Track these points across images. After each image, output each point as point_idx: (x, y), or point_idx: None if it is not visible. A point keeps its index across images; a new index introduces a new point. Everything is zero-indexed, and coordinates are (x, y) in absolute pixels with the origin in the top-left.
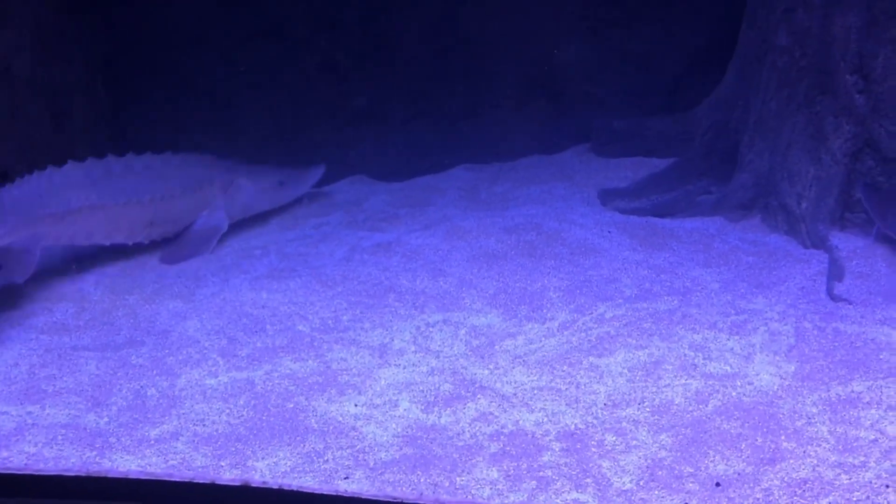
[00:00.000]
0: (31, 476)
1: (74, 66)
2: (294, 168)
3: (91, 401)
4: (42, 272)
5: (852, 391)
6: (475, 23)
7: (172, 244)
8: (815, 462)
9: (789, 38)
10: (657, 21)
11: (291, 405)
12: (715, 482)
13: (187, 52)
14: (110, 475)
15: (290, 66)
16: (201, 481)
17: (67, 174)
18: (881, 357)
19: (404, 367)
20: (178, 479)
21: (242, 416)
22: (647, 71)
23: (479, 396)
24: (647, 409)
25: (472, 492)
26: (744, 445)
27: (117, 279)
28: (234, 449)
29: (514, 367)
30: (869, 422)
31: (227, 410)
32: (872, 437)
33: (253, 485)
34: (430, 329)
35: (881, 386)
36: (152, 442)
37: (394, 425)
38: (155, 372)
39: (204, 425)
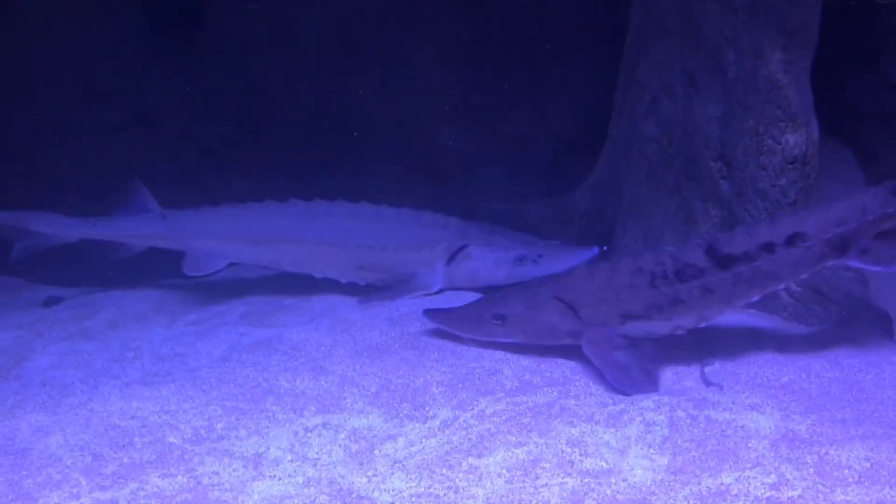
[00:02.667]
0: None
1: None
2: (552, 244)
3: None
4: None
5: (721, 483)
6: (355, 107)
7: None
8: None
9: (657, 126)
10: (532, 106)
11: None
12: None
13: (55, 145)
14: None
15: (165, 156)
16: None
17: (266, 208)
18: (749, 445)
19: (279, 479)
20: None
21: None
22: (525, 155)
23: None
24: None
25: None
26: None
27: None
28: None
29: (393, 473)
30: None
31: None
32: None
33: None
34: (309, 434)
35: (748, 477)
36: None
37: None
38: (10, 497)
39: None
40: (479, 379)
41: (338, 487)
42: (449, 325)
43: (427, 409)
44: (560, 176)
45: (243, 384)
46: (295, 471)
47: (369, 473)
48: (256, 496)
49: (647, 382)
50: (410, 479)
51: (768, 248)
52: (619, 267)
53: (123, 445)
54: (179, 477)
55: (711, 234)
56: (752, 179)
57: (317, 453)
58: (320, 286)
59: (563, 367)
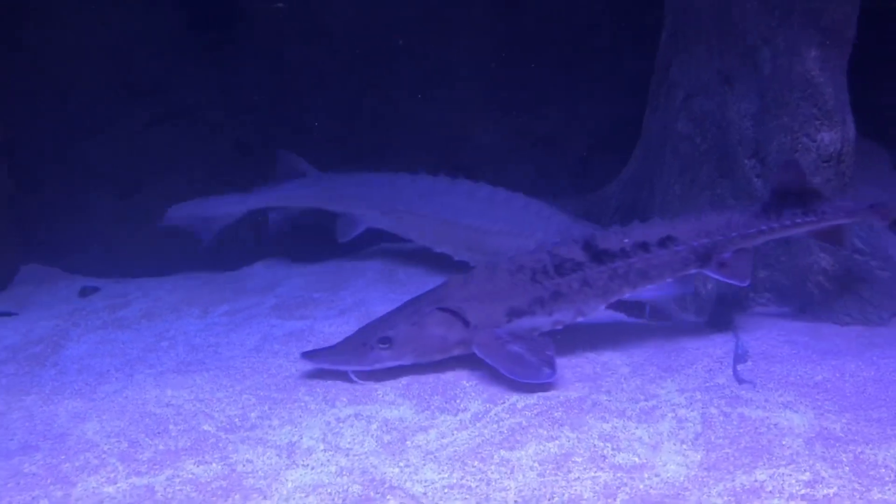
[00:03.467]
0: None
1: None
2: None
3: None
4: None
5: (756, 480)
6: (387, 104)
7: None
8: None
9: (690, 124)
10: (562, 103)
11: None
12: None
13: (91, 138)
14: None
15: (199, 150)
16: None
17: (400, 180)
18: (783, 443)
19: (312, 468)
20: None
21: None
22: (556, 152)
23: (388, 497)
24: None
25: None
26: None
27: (14, 378)
28: None
29: (425, 465)
30: None
31: None
32: None
33: None
34: (341, 424)
35: (783, 474)
36: None
37: None
38: (49, 480)
39: None
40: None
41: (370, 477)
42: (331, 363)
43: (458, 401)
44: (591, 173)
45: (276, 374)
46: (328, 460)
47: (401, 464)
48: (290, 484)
49: (544, 367)
50: (442, 471)
51: (643, 247)
52: (500, 266)
53: (159, 432)
54: (214, 464)
55: (588, 231)
56: None
57: (349, 443)
58: (349, 281)
59: (595, 363)
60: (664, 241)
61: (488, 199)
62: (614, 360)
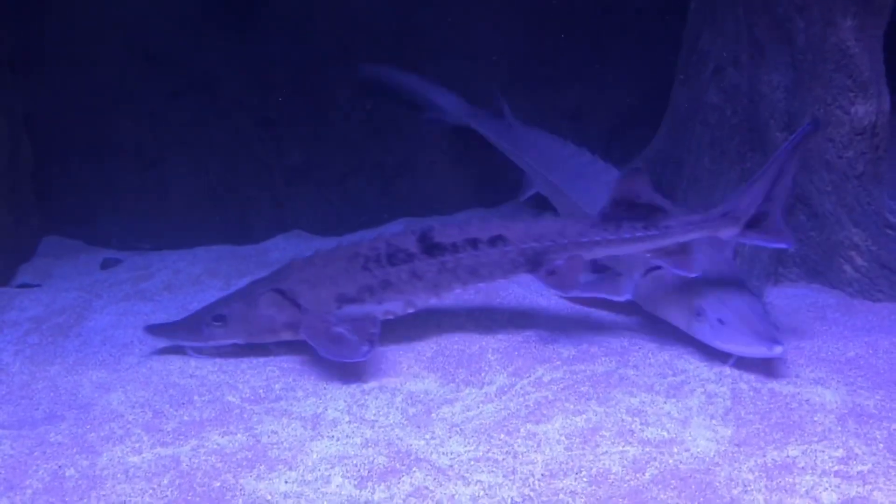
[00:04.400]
0: None
1: None
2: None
3: (4, 483)
4: None
5: (787, 456)
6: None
7: None
8: None
9: (720, 96)
10: (588, 78)
11: (218, 484)
12: None
13: (113, 110)
14: None
15: (222, 124)
16: None
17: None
18: (815, 419)
19: (337, 440)
20: None
21: (167, 496)
22: (581, 127)
23: (414, 469)
24: (585, 479)
25: None
26: None
27: (38, 348)
28: None
29: (450, 437)
30: (804, 488)
31: (151, 491)
32: None
33: None
34: (366, 396)
35: (815, 450)
36: None
37: (325, 503)
38: (75, 450)
39: None
40: (535, 347)
41: (396, 449)
42: (170, 338)
43: (483, 374)
44: (617, 149)
45: (300, 347)
46: (353, 432)
47: (427, 436)
48: (315, 455)
49: (363, 344)
50: (468, 443)
51: (473, 244)
52: (337, 252)
53: (183, 403)
54: (239, 435)
55: (429, 223)
56: (818, 150)
57: (374, 415)
58: None
59: (622, 338)
60: (495, 241)
61: (606, 179)
62: (640, 335)
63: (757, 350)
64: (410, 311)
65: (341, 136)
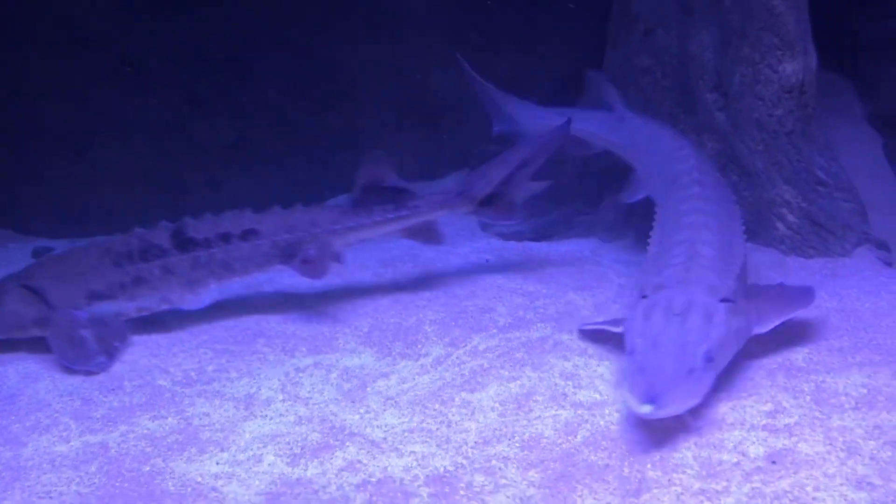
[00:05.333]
0: None
1: None
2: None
3: None
4: None
5: (717, 412)
6: (344, 51)
7: None
8: (680, 490)
9: (651, 58)
10: (526, 45)
11: (147, 468)
12: None
13: (39, 93)
14: None
15: (152, 104)
16: None
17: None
18: (745, 375)
19: (271, 418)
20: None
21: (94, 483)
22: (520, 95)
23: (347, 444)
24: (517, 445)
25: None
26: (611, 477)
27: None
28: None
29: (385, 410)
30: (732, 444)
31: (78, 479)
32: (735, 459)
33: None
34: (300, 374)
35: (745, 406)
36: None
37: (257, 482)
38: None
39: (50, 497)
40: (472, 317)
41: (330, 425)
42: None
43: (420, 346)
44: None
45: (233, 327)
46: (287, 410)
47: (361, 411)
48: (248, 435)
49: (101, 355)
50: (403, 415)
51: (226, 238)
52: (89, 248)
53: (113, 389)
54: (170, 419)
55: (184, 218)
56: (748, 110)
57: (308, 392)
58: None
59: (558, 303)
60: (247, 235)
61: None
62: (577, 301)
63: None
64: (165, 307)
65: (277, 113)
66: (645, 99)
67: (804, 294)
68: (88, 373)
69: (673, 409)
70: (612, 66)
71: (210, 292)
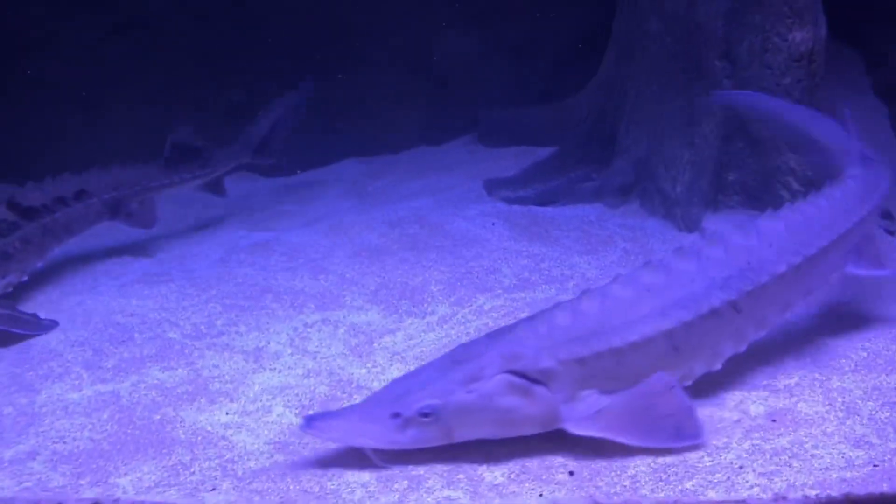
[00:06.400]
0: None
1: None
2: None
3: None
4: None
5: (717, 371)
6: (351, 11)
7: None
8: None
9: (660, 24)
10: (536, 10)
11: (158, 417)
12: (569, 471)
13: (44, 51)
14: None
15: (160, 62)
16: (47, 503)
17: None
18: None
19: (279, 371)
20: (22, 501)
21: (106, 430)
22: (529, 59)
23: (355, 396)
24: None
25: (343, 496)
26: None
27: None
28: (95, 466)
29: (391, 365)
30: (733, 403)
31: (90, 426)
32: (736, 417)
33: (104, 503)
34: (309, 329)
35: (744, 370)
36: (6, 463)
37: (266, 432)
38: (13, 389)
39: (64, 443)
40: (477, 277)
41: (337, 378)
42: None
43: (425, 305)
44: (566, 80)
45: (242, 283)
46: (295, 363)
47: (368, 365)
48: (257, 387)
49: None
50: (409, 370)
51: (62, 201)
52: None
53: (123, 341)
54: (180, 370)
55: (12, 189)
56: (756, 78)
57: (316, 347)
58: (319, 193)
59: (563, 266)
60: (79, 195)
61: None
62: (581, 264)
63: None
64: (24, 279)
65: (283, 72)
66: (653, 65)
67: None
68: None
69: (328, 435)
70: (621, 30)
71: (53, 255)
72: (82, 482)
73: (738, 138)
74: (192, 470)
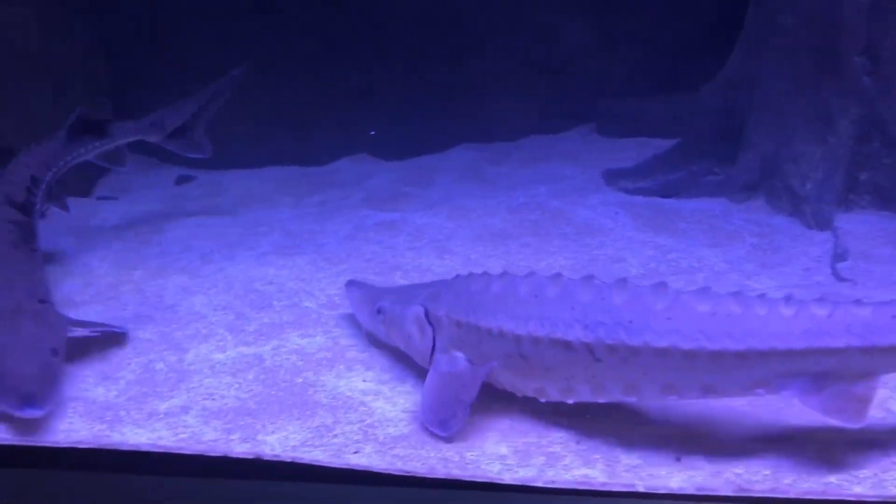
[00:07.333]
0: (43, 448)
1: (76, 43)
2: None
3: (100, 374)
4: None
5: None
6: (471, 1)
7: None
8: (834, 436)
9: (795, 18)
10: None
11: (300, 380)
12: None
13: (186, 29)
14: (121, 448)
15: (288, 45)
16: (213, 454)
17: None
18: None
19: None
20: (190, 452)
21: (251, 390)
22: (649, 50)
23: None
24: None
25: (482, 467)
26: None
27: (122, 254)
28: (243, 423)
29: None
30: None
31: (237, 385)
32: (881, 415)
33: (265, 458)
34: None
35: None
36: (161, 416)
37: (401, 401)
38: (163, 346)
39: (213, 399)
40: (602, 266)
41: None
42: None
43: None
44: (688, 72)
45: (371, 259)
46: None
47: None
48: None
49: None
50: None
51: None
52: None
53: (263, 307)
54: (318, 337)
55: None
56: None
57: None
58: (436, 177)
59: (691, 258)
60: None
61: None
62: (709, 257)
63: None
64: None
65: (406, 62)
66: (785, 60)
67: None
68: None
69: (349, 297)
70: (754, 22)
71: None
72: (232, 437)
73: (874, 137)
74: (334, 432)
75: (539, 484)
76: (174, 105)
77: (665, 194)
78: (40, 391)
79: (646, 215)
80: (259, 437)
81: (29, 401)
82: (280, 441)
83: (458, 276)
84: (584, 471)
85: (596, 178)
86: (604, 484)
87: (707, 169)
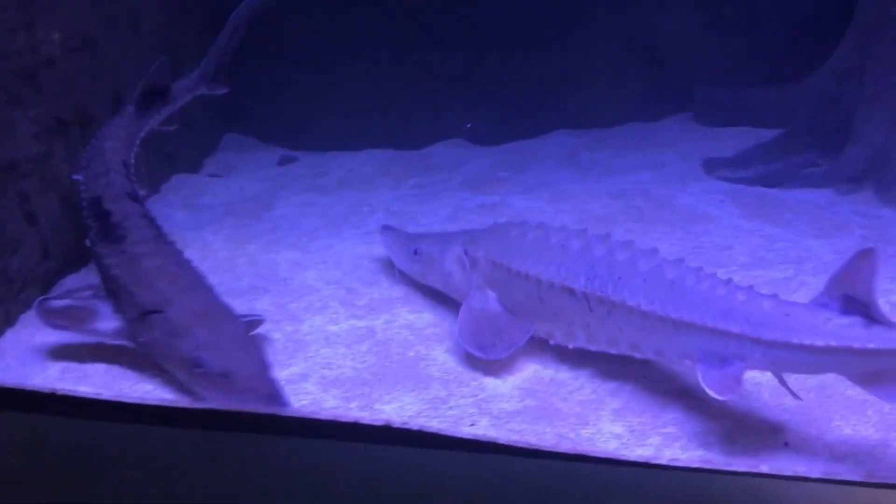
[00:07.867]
0: (175, 409)
1: (191, 22)
2: None
3: None
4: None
5: None
6: None
7: None
8: None
9: None
10: None
11: (412, 353)
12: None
13: (290, 16)
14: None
15: (388, 31)
16: (345, 420)
17: None
18: None
19: None
20: (322, 417)
21: (366, 361)
22: (753, 39)
23: None
24: None
25: (598, 444)
26: (870, 411)
27: (234, 229)
28: (360, 392)
29: None
30: None
31: (351, 356)
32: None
33: (394, 426)
34: None
35: None
36: (283, 382)
37: (512, 378)
38: (279, 317)
39: (330, 369)
40: (709, 253)
41: None
42: None
43: None
44: (791, 61)
45: None
46: None
47: None
48: None
49: None
50: None
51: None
52: None
53: (372, 283)
54: (426, 313)
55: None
56: None
57: None
58: (532, 162)
59: (798, 248)
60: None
61: None
62: (817, 248)
63: None
64: None
65: (503, 48)
66: (893, 52)
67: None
68: None
69: (383, 240)
70: (867, 15)
71: None
72: (351, 406)
73: None
74: (449, 405)
75: (662, 462)
76: (205, 60)
77: (766, 184)
78: (274, 389)
79: (751, 204)
80: (376, 405)
81: (274, 399)
82: (396, 410)
83: (496, 223)
84: (700, 452)
85: (695, 166)
86: (727, 462)
87: (810, 160)
